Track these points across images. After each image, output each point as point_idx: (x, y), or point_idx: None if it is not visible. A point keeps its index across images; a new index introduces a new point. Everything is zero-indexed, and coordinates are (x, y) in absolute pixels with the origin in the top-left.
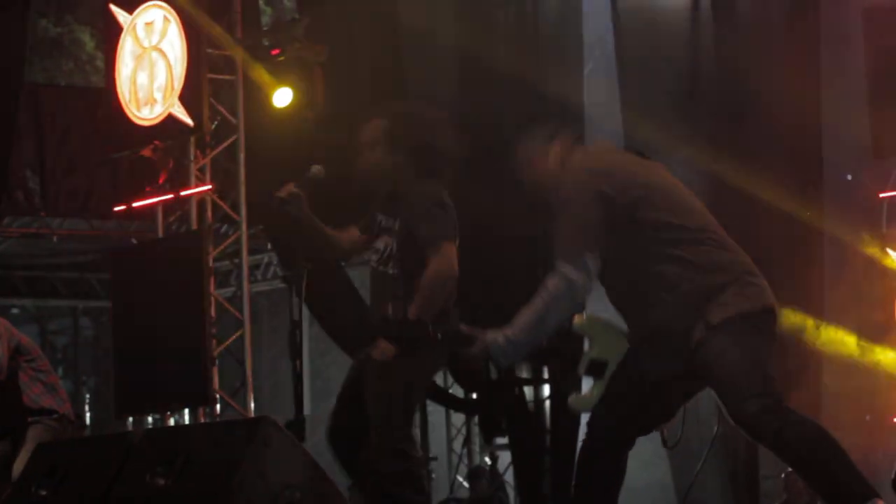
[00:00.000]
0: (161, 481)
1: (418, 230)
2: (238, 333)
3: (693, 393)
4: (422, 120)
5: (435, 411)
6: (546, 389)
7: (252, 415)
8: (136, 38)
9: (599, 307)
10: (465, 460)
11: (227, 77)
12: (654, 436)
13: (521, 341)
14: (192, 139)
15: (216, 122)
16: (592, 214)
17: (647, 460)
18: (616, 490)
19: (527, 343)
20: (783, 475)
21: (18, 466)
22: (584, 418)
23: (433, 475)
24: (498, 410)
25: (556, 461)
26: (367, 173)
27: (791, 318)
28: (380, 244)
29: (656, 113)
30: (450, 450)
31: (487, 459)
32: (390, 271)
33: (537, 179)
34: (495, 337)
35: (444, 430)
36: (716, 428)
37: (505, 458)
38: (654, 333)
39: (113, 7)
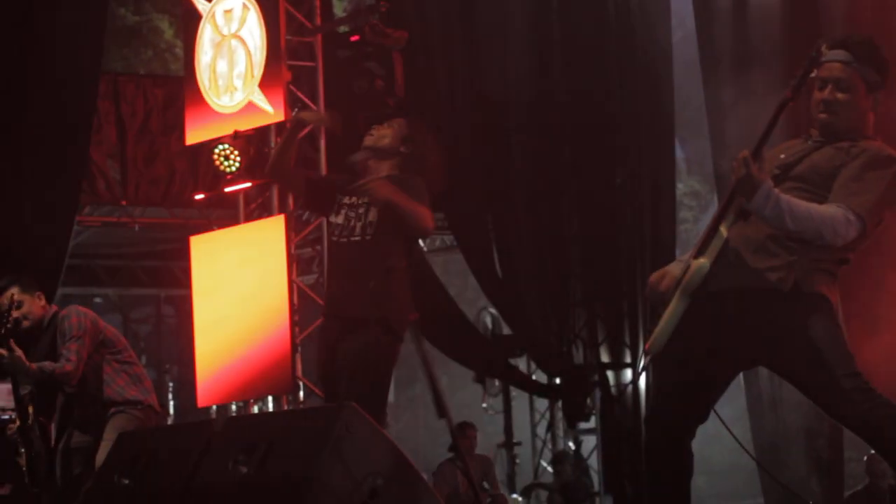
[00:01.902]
0: (243, 469)
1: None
2: (320, 320)
3: (746, 367)
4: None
5: (518, 396)
6: (628, 374)
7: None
8: (216, 25)
9: None
10: (549, 445)
11: (306, 64)
12: (740, 420)
13: (780, 205)
14: (273, 126)
15: (296, 109)
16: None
17: (732, 444)
18: (685, 482)
19: (778, 213)
20: (865, 458)
21: (100, 456)
22: None
23: (517, 460)
24: (581, 395)
25: (636, 446)
26: (378, 151)
27: None
28: (339, 219)
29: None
30: (534, 435)
31: (571, 444)
32: (356, 238)
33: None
34: (769, 182)
35: (527, 416)
36: None
37: (589, 442)
38: (756, 290)
39: None
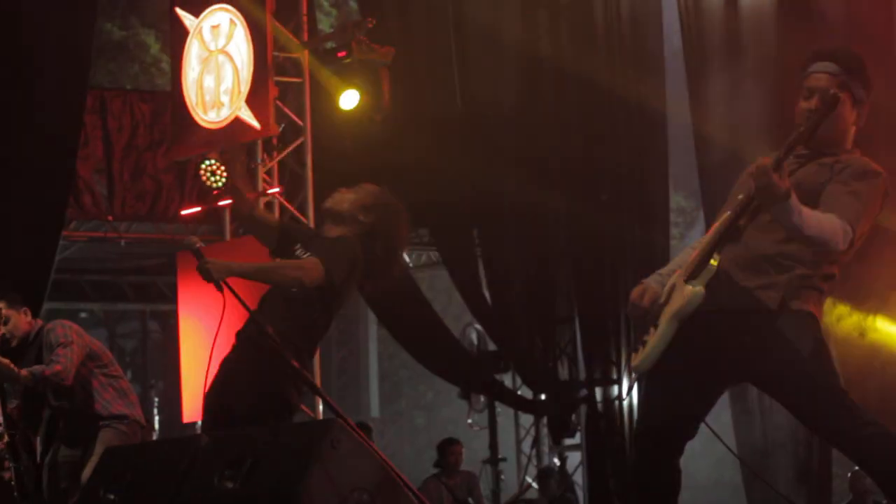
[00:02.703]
0: (229, 484)
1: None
2: None
3: (734, 383)
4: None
5: (504, 412)
6: (615, 390)
7: (321, 416)
8: (203, 41)
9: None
10: (534, 461)
11: (293, 80)
12: (725, 436)
13: (801, 213)
14: (260, 142)
15: (283, 125)
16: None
17: (717, 459)
18: (673, 498)
19: (799, 222)
20: (849, 474)
21: (87, 472)
22: None
23: (502, 476)
24: (567, 411)
25: (622, 462)
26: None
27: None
28: None
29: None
30: (518, 451)
31: (556, 460)
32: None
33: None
34: (788, 186)
35: (512, 432)
36: None
37: (574, 458)
38: (746, 310)
39: (179, 10)
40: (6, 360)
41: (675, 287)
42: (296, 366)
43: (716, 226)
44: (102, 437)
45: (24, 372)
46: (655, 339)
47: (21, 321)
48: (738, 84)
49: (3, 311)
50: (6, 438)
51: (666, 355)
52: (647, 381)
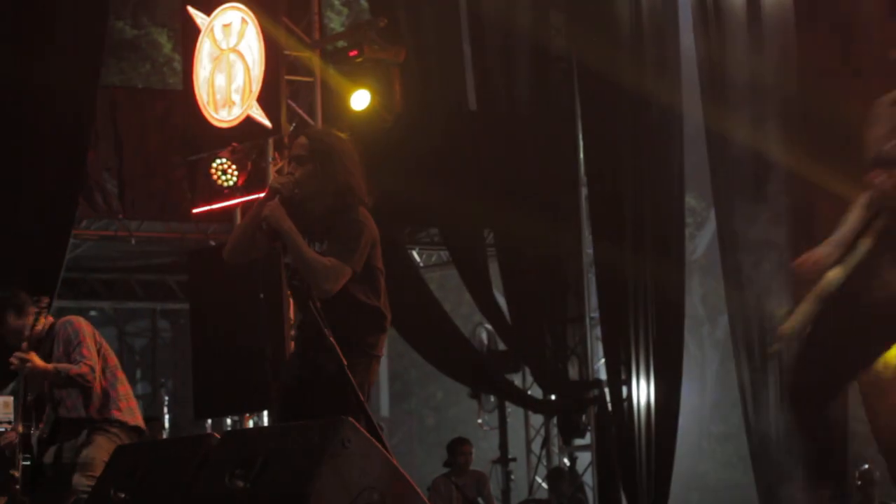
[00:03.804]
0: (240, 483)
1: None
2: None
3: None
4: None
5: (514, 412)
6: (624, 390)
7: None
8: (214, 39)
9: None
10: (545, 461)
11: (305, 79)
12: (735, 437)
13: None
14: (271, 141)
15: (294, 124)
16: None
17: (725, 461)
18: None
19: None
20: (856, 472)
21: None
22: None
23: (512, 476)
24: (577, 411)
25: (630, 462)
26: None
27: None
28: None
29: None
30: (529, 451)
31: (566, 460)
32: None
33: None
34: None
35: (522, 432)
36: None
37: (584, 458)
38: None
39: (190, 9)
40: (33, 355)
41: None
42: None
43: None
44: (95, 440)
45: (49, 367)
46: (801, 313)
47: (28, 324)
48: (756, 81)
49: (12, 324)
50: (21, 429)
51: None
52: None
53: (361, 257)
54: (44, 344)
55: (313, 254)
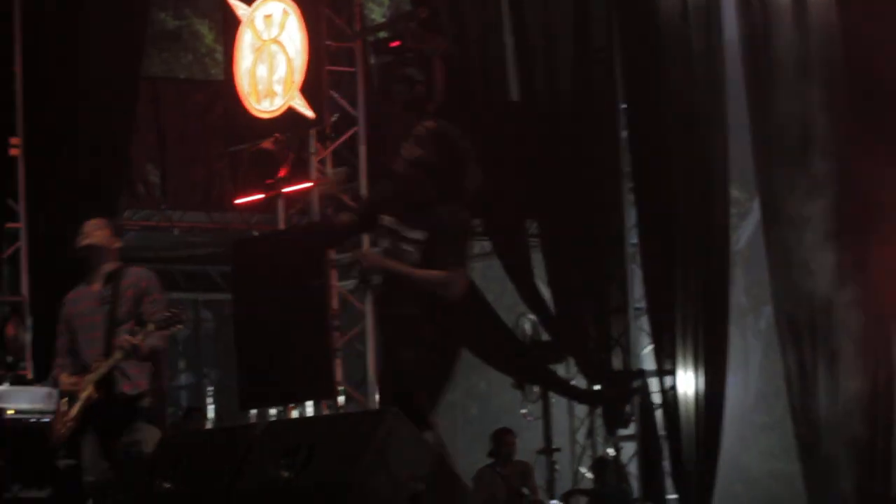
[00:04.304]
0: (284, 473)
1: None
2: (360, 326)
3: None
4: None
5: (558, 403)
6: (668, 381)
7: (375, 407)
8: (256, 30)
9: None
10: (589, 451)
11: (346, 69)
12: (779, 427)
13: None
14: (313, 131)
15: (336, 115)
16: None
17: (768, 451)
18: None
19: None
20: None
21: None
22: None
23: (557, 467)
24: (621, 401)
25: (676, 452)
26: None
27: None
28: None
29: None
30: (573, 441)
31: (611, 450)
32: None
33: None
34: None
35: (567, 422)
36: None
37: (628, 448)
38: None
39: (231, 0)
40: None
41: None
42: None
43: None
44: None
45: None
46: None
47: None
48: (801, 73)
49: (97, 232)
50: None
51: None
52: None
53: (468, 254)
54: (107, 285)
55: (424, 273)
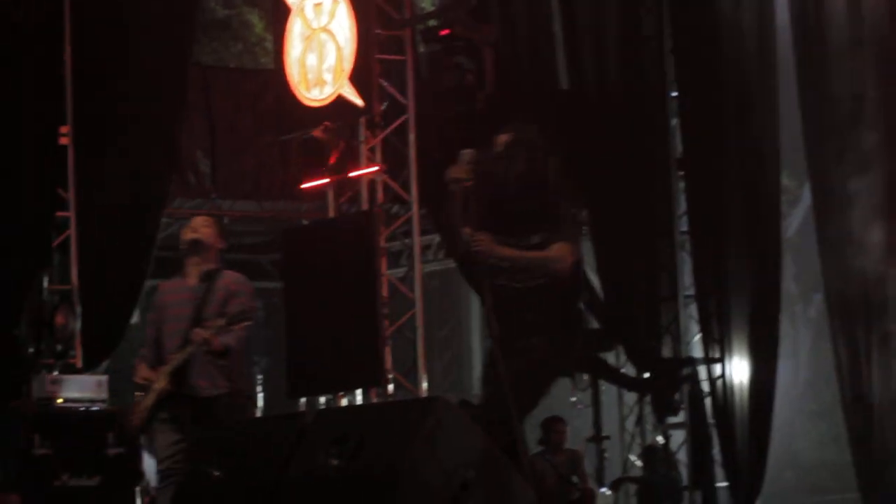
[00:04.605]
0: (334, 461)
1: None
2: (410, 313)
3: None
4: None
5: (607, 391)
6: (717, 369)
7: (425, 394)
8: (305, 19)
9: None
10: (639, 439)
11: (396, 57)
12: (828, 415)
13: None
14: (363, 120)
15: (386, 103)
16: None
17: (818, 439)
18: None
19: None
20: None
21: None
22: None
23: (606, 455)
24: (671, 389)
25: (727, 440)
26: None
27: None
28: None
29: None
30: (622, 429)
31: (660, 438)
32: (517, 285)
33: None
34: None
35: (616, 410)
36: None
37: (678, 436)
38: None
39: None
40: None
41: None
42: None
43: None
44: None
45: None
46: None
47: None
48: (852, 51)
49: (205, 229)
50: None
51: None
52: None
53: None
54: (202, 283)
55: (535, 253)
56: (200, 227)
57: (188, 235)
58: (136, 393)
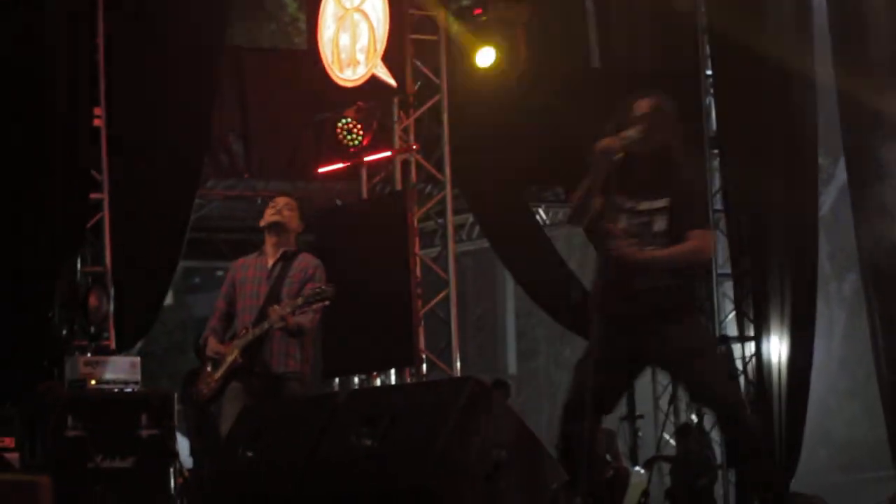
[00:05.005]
0: (367, 441)
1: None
2: (443, 293)
3: None
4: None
5: None
6: (751, 347)
7: (458, 374)
8: None
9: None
10: (672, 418)
11: (429, 37)
12: (861, 393)
13: None
14: (396, 100)
15: (419, 83)
16: None
17: (851, 418)
18: None
19: None
20: None
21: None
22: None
23: (640, 433)
24: None
25: (763, 417)
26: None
27: None
28: (618, 229)
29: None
30: (656, 408)
31: (694, 417)
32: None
33: None
34: None
35: (650, 389)
36: None
37: (711, 415)
38: None
39: None
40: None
41: None
42: None
43: None
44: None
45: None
46: None
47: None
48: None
49: (287, 212)
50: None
51: None
52: None
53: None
54: (277, 264)
55: (674, 250)
56: (283, 210)
57: (271, 216)
58: (205, 363)
